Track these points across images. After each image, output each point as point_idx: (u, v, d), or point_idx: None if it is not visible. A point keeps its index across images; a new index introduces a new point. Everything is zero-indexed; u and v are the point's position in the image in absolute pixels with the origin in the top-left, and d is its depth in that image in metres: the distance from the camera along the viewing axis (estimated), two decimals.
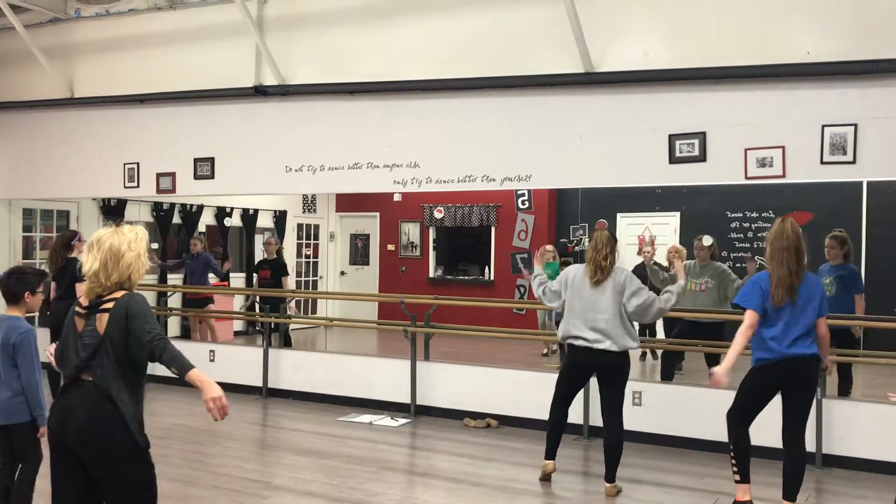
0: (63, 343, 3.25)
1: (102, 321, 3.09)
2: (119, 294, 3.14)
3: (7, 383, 4.06)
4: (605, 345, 5.17)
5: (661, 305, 5.25)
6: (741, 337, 4.62)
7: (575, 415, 5.87)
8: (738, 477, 4.69)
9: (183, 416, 7.43)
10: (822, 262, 7.17)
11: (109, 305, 3.12)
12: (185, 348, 8.73)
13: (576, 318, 5.29)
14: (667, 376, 7.56)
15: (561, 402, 5.46)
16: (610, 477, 5.25)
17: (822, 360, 4.78)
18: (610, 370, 5.26)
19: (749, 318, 4.63)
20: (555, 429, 5.44)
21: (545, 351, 10.84)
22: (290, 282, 8.68)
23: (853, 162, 5.88)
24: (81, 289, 8.87)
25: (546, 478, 5.45)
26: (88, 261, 3.18)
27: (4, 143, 10.05)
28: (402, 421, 7.31)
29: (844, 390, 6.70)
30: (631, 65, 6.54)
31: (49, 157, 9.65)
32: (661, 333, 9.59)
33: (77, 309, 3.23)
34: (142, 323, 3.07)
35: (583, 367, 5.39)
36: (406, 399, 7.60)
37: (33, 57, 8.98)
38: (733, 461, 4.71)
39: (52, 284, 7.89)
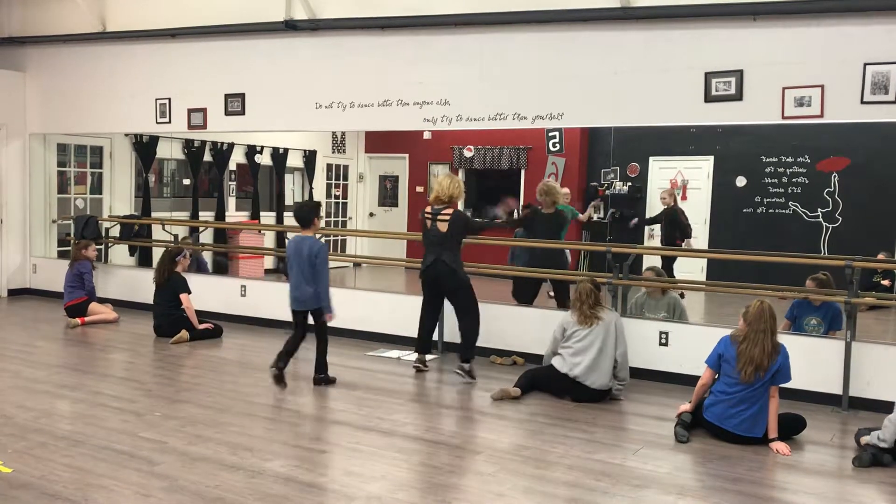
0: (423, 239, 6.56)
1: (444, 223, 6.37)
2: (450, 211, 6.44)
3: (310, 283, 5.93)
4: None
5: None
6: (695, 395, 5.27)
7: None
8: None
9: (216, 349, 7.61)
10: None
11: (448, 213, 6.42)
12: (218, 283, 8.91)
13: None
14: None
15: None
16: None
17: (770, 430, 5.02)
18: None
19: (705, 376, 5.23)
20: None
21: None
22: None
23: (895, 102, 5.74)
24: (186, 301, 8.53)
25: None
26: (436, 188, 6.50)
27: (38, 76, 10.14)
28: (430, 357, 7.40)
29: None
30: None
31: (82, 91, 9.73)
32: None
33: (427, 215, 6.51)
34: (464, 222, 6.51)
35: None
36: (433, 336, 7.65)
37: None
38: None
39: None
